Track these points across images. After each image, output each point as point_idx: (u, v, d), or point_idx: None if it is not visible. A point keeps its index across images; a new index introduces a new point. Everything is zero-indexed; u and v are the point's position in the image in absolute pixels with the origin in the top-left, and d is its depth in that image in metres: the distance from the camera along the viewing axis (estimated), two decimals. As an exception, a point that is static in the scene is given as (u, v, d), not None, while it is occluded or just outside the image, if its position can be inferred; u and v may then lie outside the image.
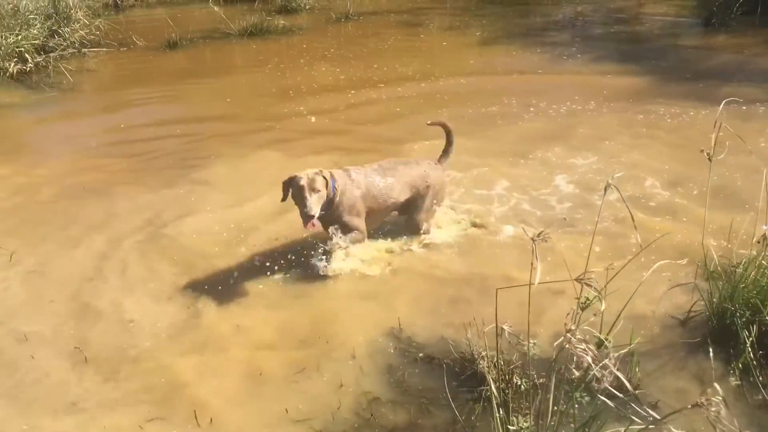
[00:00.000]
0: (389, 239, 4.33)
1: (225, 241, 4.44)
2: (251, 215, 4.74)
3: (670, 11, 10.12)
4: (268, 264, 4.09)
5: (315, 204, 3.76)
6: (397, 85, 7.30)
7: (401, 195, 4.22)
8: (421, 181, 4.24)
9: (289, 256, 4.10)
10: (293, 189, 3.81)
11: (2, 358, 3.42)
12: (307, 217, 3.75)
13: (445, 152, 4.46)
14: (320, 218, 3.90)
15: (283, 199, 3.90)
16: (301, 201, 3.77)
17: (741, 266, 3.26)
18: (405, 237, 4.33)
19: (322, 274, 3.97)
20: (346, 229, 4.06)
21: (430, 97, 6.98)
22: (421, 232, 4.38)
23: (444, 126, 4.42)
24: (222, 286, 3.94)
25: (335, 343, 3.42)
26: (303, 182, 3.76)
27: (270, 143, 6.00)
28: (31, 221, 4.81)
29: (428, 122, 4.47)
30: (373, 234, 4.32)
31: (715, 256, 3.36)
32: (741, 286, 3.19)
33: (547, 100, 6.67)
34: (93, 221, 4.74)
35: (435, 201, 4.36)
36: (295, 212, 3.88)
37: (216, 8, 10.60)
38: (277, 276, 4.01)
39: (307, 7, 10.70)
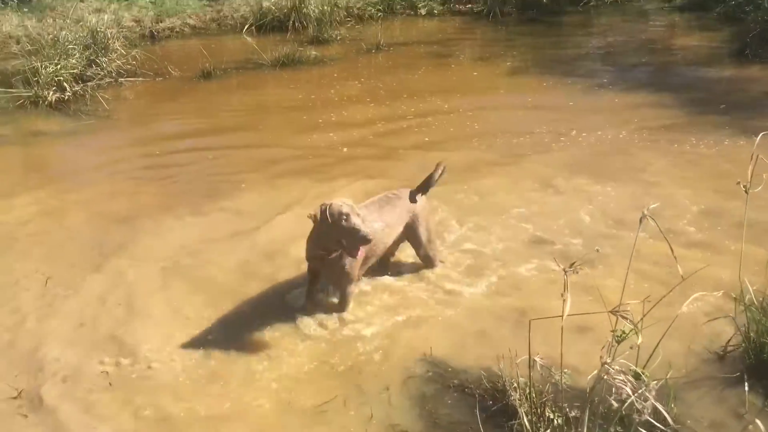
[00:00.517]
0: (416, 271, 4.32)
1: (252, 269, 4.47)
2: (280, 242, 4.76)
3: (703, 42, 10.06)
4: (296, 292, 4.09)
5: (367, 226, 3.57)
6: (426, 114, 7.33)
7: (392, 235, 4.08)
8: (407, 214, 4.09)
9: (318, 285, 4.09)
10: (334, 217, 3.51)
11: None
12: (364, 241, 3.51)
13: (427, 182, 4.28)
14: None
15: (321, 229, 3.62)
16: (350, 227, 3.49)
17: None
18: (429, 270, 4.31)
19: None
20: (344, 281, 3.86)
21: (460, 126, 7.00)
22: (436, 264, 4.34)
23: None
24: (250, 314, 3.95)
25: (366, 373, 3.40)
26: (346, 208, 3.53)
27: (300, 171, 6.05)
28: (59, 246, 4.88)
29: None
30: (400, 267, 4.33)
31: (751, 290, 3.28)
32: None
33: (578, 130, 6.64)
34: (120, 248, 4.81)
35: (428, 229, 4.26)
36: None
37: (249, 39, 10.78)
38: (306, 307, 4.00)
39: (339, 38, 10.82)
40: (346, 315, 3.88)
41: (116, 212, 5.36)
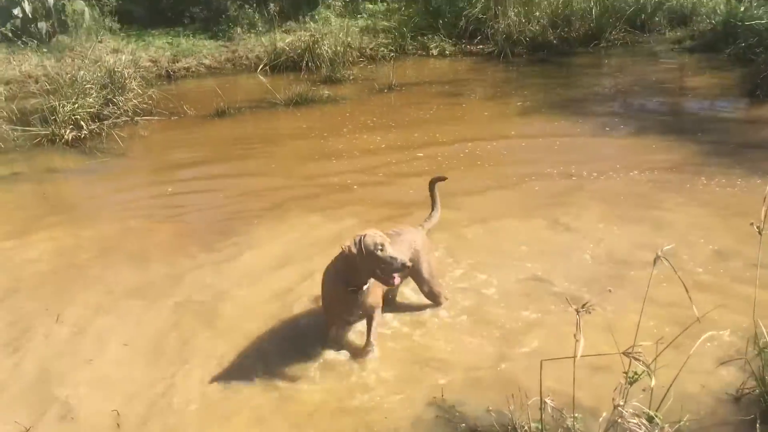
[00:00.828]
0: (421, 310, 4.31)
1: (263, 307, 4.47)
2: (291, 279, 4.79)
3: (713, 83, 10.10)
4: (308, 332, 4.09)
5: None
6: (437, 152, 7.38)
7: None
8: (409, 251, 4.06)
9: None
10: (369, 247, 3.51)
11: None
12: (403, 268, 3.52)
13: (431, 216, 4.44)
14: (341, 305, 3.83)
15: (355, 261, 3.58)
16: (387, 256, 3.50)
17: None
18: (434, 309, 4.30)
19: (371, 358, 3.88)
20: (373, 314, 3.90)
21: (470, 164, 7.03)
22: (441, 301, 4.33)
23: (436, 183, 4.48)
24: (261, 352, 3.95)
25: (376, 414, 3.38)
26: (380, 238, 3.55)
27: (312, 207, 6.10)
28: (71, 284, 4.92)
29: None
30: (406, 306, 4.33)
31: (765, 333, 3.25)
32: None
33: (588, 169, 6.65)
34: (131, 286, 4.85)
35: (431, 265, 4.25)
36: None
37: (263, 78, 10.97)
38: (318, 344, 3.99)
39: (351, 77, 10.97)
40: (371, 353, 3.87)
41: (129, 250, 5.41)
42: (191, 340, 4.14)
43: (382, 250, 3.53)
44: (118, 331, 4.29)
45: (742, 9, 11.28)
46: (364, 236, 3.58)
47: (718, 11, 12.24)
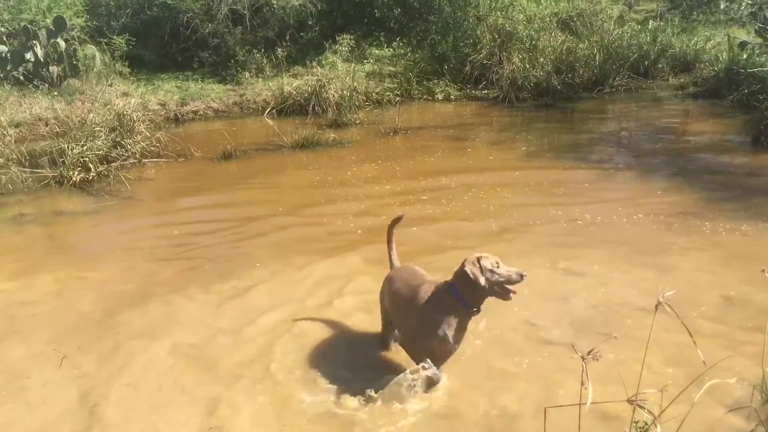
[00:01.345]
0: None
1: (261, 351, 4.45)
2: (288, 323, 4.77)
3: (717, 129, 10.16)
4: (309, 379, 4.06)
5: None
6: (441, 196, 7.41)
7: None
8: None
9: (337, 371, 4.06)
10: (487, 267, 3.68)
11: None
12: (521, 279, 3.73)
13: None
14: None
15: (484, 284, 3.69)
16: (503, 272, 3.70)
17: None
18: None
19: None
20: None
21: (474, 207, 7.05)
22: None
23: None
24: (258, 398, 3.92)
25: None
26: (492, 257, 3.75)
27: (315, 250, 6.10)
28: (74, 325, 4.92)
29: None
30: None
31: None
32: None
33: (592, 213, 6.66)
34: (132, 330, 4.84)
35: None
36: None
37: (270, 122, 11.10)
38: (321, 393, 3.95)
39: (357, 121, 11.09)
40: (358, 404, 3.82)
41: (132, 292, 5.41)
42: (186, 382, 4.12)
43: (498, 266, 3.72)
44: (118, 373, 4.26)
45: (745, 56, 11.41)
46: (480, 257, 3.74)
47: (721, 58, 12.39)
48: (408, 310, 3.94)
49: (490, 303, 3.80)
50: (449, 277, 3.86)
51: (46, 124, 9.96)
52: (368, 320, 4.75)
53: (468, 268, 3.69)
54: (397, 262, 4.47)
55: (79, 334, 4.76)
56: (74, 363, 4.39)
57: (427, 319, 3.80)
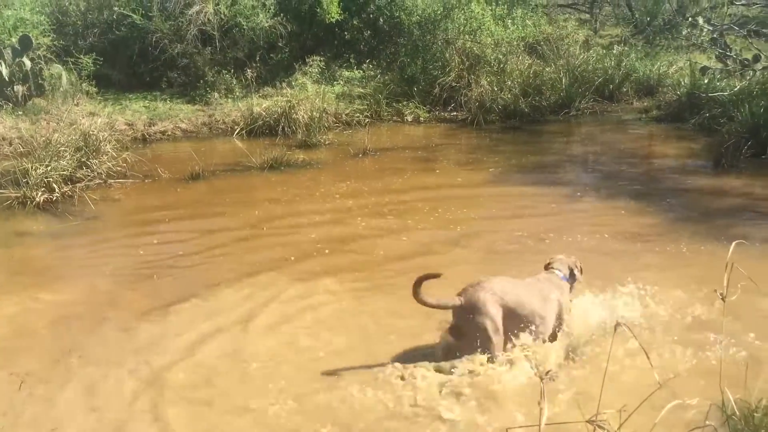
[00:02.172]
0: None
1: (225, 374, 4.41)
2: (248, 341, 4.79)
3: (681, 153, 10.38)
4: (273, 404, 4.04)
5: None
6: (408, 217, 7.46)
7: None
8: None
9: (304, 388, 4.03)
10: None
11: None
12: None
13: None
14: None
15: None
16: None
17: (761, 411, 3.17)
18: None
19: None
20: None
21: (442, 228, 7.11)
22: None
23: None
24: (215, 419, 3.88)
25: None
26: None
27: (280, 269, 6.14)
28: (33, 349, 4.83)
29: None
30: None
31: (732, 399, 3.26)
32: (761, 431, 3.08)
33: (557, 233, 6.76)
34: (91, 354, 4.76)
35: None
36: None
37: (239, 143, 11.06)
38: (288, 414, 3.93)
39: (327, 142, 11.10)
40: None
41: (92, 315, 5.34)
42: (143, 407, 4.07)
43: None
44: (80, 398, 4.18)
45: (706, 81, 11.69)
46: (576, 259, 4.89)
47: (683, 83, 12.66)
48: (547, 309, 4.42)
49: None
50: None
51: (10, 144, 9.79)
52: (328, 339, 4.76)
53: (577, 263, 4.85)
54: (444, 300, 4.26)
55: (38, 358, 4.67)
56: (33, 388, 4.30)
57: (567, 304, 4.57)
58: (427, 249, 6.58)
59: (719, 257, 5.87)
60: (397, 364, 4.36)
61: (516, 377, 4.17)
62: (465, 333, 4.18)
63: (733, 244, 3.21)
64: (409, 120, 12.68)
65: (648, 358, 2.66)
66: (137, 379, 4.40)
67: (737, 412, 3.28)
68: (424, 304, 4.16)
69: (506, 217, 7.46)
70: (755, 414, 3.21)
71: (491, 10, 13.84)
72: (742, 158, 9.09)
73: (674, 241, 6.45)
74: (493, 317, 4.14)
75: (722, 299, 3.07)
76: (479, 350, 4.16)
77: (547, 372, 2.58)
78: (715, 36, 11.57)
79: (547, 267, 4.81)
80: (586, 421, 2.54)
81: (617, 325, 2.64)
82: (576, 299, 5.30)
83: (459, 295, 4.22)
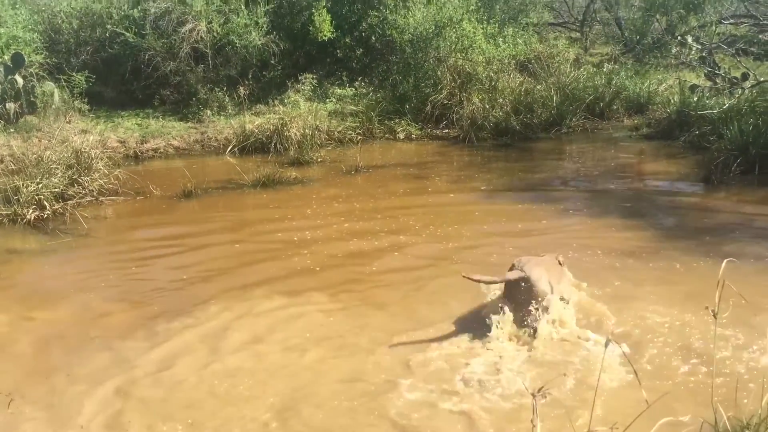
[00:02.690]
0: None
1: (210, 392, 4.40)
2: (238, 359, 4.73)
3: (671, 170, 10.43)
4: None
5: None
6: (400, 234, 7.47)
7: None
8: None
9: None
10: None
11: None
12: None
13: None
14: None
15: None
16: None
17: (752, 428, 3.17)
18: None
19: None
20: None
21: (433, 246, 7.11)
22: None
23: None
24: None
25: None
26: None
27: (271, 288, 6.13)
28: (22, 367, 4.81)
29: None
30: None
31: (724, 416, 3.26)
32: (753, 448, 3.08)
33: (549, 251, 6.72)
34: (81, 372, 4.76)
35: None
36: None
37: (231, 160, 11.07)
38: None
39: (319, 159, 11.12)
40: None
41: (80, 334, 5.35)
42: (129, 427, 4.05)
43: None
44: (59, 418, 4.15)
45: (695, 99, 11.78)
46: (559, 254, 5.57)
47: (673, 101, 12.76)
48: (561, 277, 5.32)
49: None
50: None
51: (1, 161, 9.76)
52: (318, 355, 4.75)
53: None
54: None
55: (26, 377, 4.64)
56: (22, 406, 4.27)
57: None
58: (419, 265, 6.58)
59: (711, 274, 5.87)
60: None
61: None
62: (519, 301, 4.95)
63: (725, 261, 3.22)
64: (401, 137, 12.72)
65: (637, 375, 2.67)
66: (123, 398, 4.38)
67: (729, 430, 3.27)
68: (477, 281, 5.09)
69: (498, 233, 7.47)
70: (747, 431, 3.21)
71: (482, 28, 13.94)
72: (732, 175, 9.15)
73: (667, 258, 6.47)
74: (545, 285, 4.97)
75: (714, 316, 3.08)
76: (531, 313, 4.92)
77: (539, 389, 2.57)
78: (704, 54, 11.71)
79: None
80: (578, 439, 2.54)
81: (608, 341, 2.64)
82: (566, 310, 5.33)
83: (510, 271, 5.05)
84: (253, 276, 6.45)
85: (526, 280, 4.89)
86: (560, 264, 5.50)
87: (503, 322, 4.88)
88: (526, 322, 4.92)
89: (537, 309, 4.88)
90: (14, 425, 4.09)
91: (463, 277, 4.88)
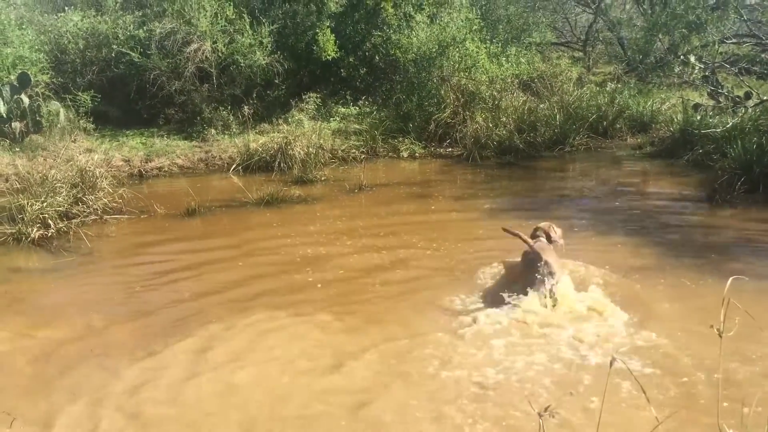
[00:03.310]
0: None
1: (212, 411, 4.38)
2: (241, 379, 4.70)
3: (674, 188, 10.41)
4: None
5: None
6: (402, 253, 7.47)
7: None
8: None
9: None
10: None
11: None
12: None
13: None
14: None
15: None
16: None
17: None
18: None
19: None
20: None
21: (436, 265, 7.09)
22: None
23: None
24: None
25: None
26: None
27: (274, 305, 6.13)
28: (23, 386, 4.79)
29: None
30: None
31: (729, 433, 3.22)
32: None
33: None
34: (82, 392, 4.74)
35: None
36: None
37: (235, 179, 11.09)
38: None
39: (323, 178, 11.15)
40: None
41: (84, 351, 5.32)
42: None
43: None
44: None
45: (699, 117, 11.79)
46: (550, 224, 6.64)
47: (676, 119, 12.78)
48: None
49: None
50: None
51: (6, 180, 9.82)
52: (323, 371, 4.71)
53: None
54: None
55: (27, 396, 4.63)
56: (24, 426, 4.25)
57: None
58: (422, 283, 6.56)
59: (716, 292, 5.90)
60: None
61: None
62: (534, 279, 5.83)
63: (730, 279, 3.18)
64: (405, 156, 12.75)
65: (645, 393, 2.64)
66: (125, 417, 4.36)
67: (736, 450, 3.24)
68: (514, 234, 6.50)
69: (503, 250, 7.44)
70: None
71: (486, 48, 14.02)
72: (736, 194, 9.12)
73: (672, 275, 6.46)
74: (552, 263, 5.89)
75: (719, 335, 3.05)
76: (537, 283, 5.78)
77: (546, 408, 2.55)
78: (706, 74, 11.72)
79: (533, 236, 6.46)
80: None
81: (613, 360, 2.62)
82: (569, 329, 5.31)
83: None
84: (256, 293, 6.45)
85: (546, 263, 5.84)
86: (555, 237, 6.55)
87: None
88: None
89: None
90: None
91: (503, 230, 6.65)
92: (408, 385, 4.67)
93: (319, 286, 6.56)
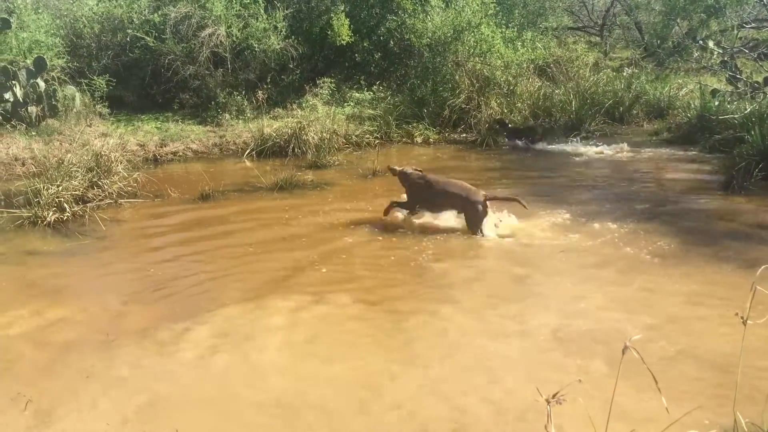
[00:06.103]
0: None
1: (232, 393, 4.37)
2: (253, 367, 4.71)
3: (691, 174, 10.32)
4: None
5: None
6: (415, 238, 7.46)
7: None
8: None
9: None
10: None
11: None
12: None
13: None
14: None
15: None
16: None
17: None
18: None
19: None
20: None
21: (449, 248, 7.08)
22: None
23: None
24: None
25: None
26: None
27: (285, 290, 6.16)
28: (39, 369, 4.82)
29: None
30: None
31: (743, 421, 3.19)
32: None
33: (577, 253, 6.73)
34: (98, 374, 4.75)
35: None
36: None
37: (249, 163, 11.13)
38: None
39: (337, 163, 11.15)
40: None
41: (98, 333, 5.33)
42: (143, 429, 4.05)
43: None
44: (75, 420, 4.17)
45: (716, 103, 11.67)
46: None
47: (693, 105, 12.66)
48: None
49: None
50: None
51: (23, 164, 9.90)
52: (334, 353, 4.71)
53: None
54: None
55: (45, 378, 4.66)
56: (39, 408, 4.28)
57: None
58: (435, 269, 6.56)
59: (738, 280, 5.87)
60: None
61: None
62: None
63: (762, 268, 3.14)
64: (419, 141, 12.73)
65: (656, 383, 2.61)
66: (138, 400, 4.37)
67: (747, 435, 3.21)
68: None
69: (519, 245, 7.42)
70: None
71: (501, 32, 13.92)
72: (753, 181, 9.02)
73: (691, 263, 6.43)
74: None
75: (743, 323, 3.02)
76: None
77: (554, 395, 2.54)
78: (725, 59, 11.58)
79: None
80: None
81: (625, 348, 2.59)
82: (586, 318, 5.29)
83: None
84: (270, 279, 6.46)
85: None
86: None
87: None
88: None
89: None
90: (32, 426, 4.10)
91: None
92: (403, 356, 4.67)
93: (333, 270, 6.56)
